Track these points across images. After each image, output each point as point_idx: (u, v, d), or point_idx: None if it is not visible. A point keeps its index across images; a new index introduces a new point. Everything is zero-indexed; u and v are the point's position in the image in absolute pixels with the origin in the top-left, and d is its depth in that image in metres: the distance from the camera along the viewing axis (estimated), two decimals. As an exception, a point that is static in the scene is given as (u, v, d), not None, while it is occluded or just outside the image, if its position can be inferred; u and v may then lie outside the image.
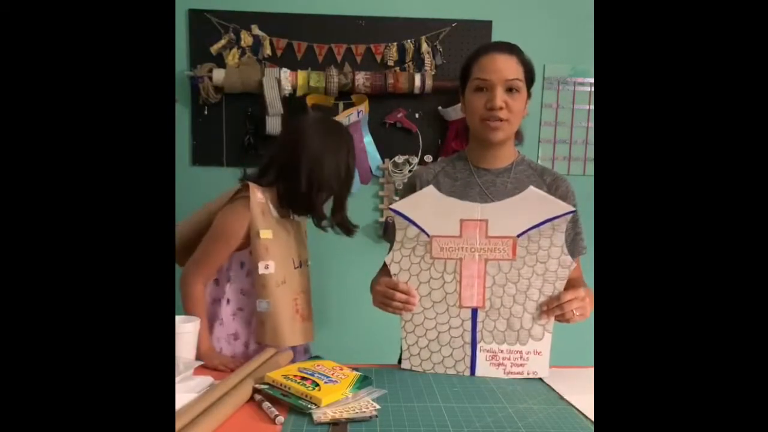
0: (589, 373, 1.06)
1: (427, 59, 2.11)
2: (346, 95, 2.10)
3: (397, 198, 2.18)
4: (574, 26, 2.15)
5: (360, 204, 2.21)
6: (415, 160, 2.17)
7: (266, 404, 0.87)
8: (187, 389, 0.91)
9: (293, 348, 1.24)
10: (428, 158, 2.17)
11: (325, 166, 1.22)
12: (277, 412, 0.83)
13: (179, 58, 2.11)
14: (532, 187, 1.04)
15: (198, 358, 1.08)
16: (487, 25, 2.14)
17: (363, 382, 0.94)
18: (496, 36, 2.14)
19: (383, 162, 2.17)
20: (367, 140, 2.15)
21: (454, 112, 2.09)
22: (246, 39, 2.08)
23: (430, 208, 1.05)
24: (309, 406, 0.84)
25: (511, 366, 1.06)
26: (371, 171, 2.17)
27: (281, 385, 0.90)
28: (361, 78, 2.04)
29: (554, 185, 1.18)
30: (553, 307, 1.03)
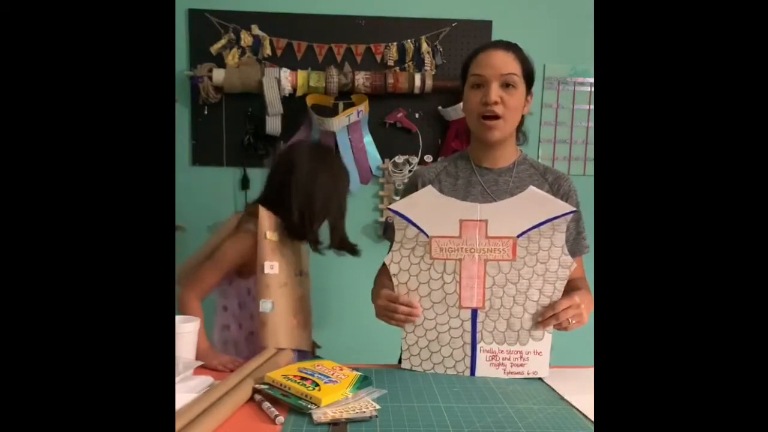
0: (589, 373, 1.06)
1: (427, 59, 2.11)
2: (346, 95, 2.10)
3: (397, 198, 2.18)
4: (574, 26, 2.15)
5: (360, 204, 2.21)
6: (415, 160, 2.17)
7: (266, 404, 0.86)
8: (187, 389, 0.91)
9: (297, 353, 1.26)
10: (428, 158, 2.17)
11: (317, 198, 1.26)
12: (277, 412, 0.83)
13: (179, 58, 2.11)
14: (532, 187, 1.04)
15: (197, 358, 1.09)
16: (487, 25, 2.14)
17: (363, 382, 0.94)
18: (496, 36, 2.14)
19: (383, 162, 2.17)
20: (367, 140, 2.15)
21: (454, 112, 2.09)
22: (246, 39, 2.08)
23: (429, 208, 1.05)
24: (309, 406, 0.84)
25: (511, 366, 1.06)
26: (371, 171, 2.17)
27: (281, 385, 0.90)
28: (361, 78, 2.04)
29: (556, 184, 1.18)
30: (548, 318, 1.02)
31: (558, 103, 2.21)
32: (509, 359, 1.06)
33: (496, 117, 1.11)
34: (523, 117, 1.19)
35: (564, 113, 2.22)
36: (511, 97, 1.11)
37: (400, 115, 2.15)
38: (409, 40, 2.12)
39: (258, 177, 2.19)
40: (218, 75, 2.04)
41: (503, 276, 1.04)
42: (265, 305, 1.22)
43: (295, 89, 2.06)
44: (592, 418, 0.86)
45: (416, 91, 2.07)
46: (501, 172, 1.19)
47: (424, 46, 2.11)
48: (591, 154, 2.20)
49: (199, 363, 1.04)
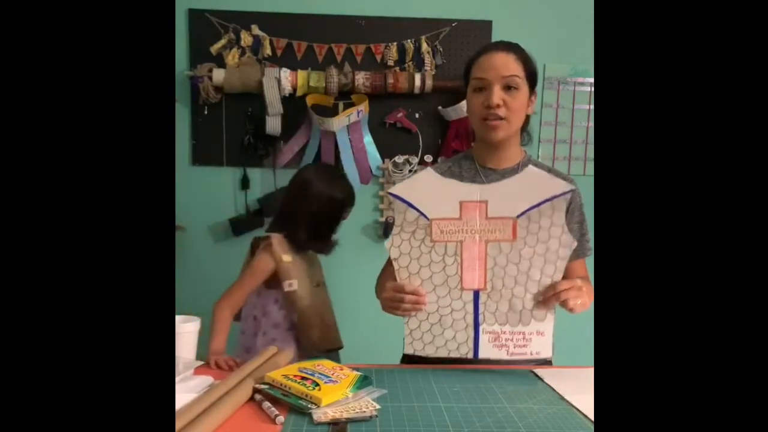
0: (589, 373, 1.06)
1: (427, 59, 2.11)
2: (346, 95, 2.11)
3: (397, 198, 2.17)
4: (574, 26, 2.15)
5: (360, 204, 2.21)
6: (415, 160, 2.17)
7: (266, 404, 0.87)
8: (187, 389, 0.91)
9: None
10: (428, 158, 2.17)
11: (326, 218, 1.45)
12: (277, 412, 0.83)
13: (179, 58, 2.11)
14: (531, 166, 1.04)
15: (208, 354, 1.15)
16: (487, 25, 2.14)
17: (363, 382, 0.94)
18: (496, 36, 2.14)
19: (383, 162, 2.17)
20: (367, 140, 2.15)
21: (454, 112, 2.09)
22: (246, 39, 2.08)
23: (429, 190, 1.05)
24: (309, 406, 0.84)
25: (514, 347, 1.05)
26: (371, 171, 2.17)
27: (281, 385, 0.90)
28: (361, 78, 2.04)
29: None
30: (550, 296, 1.02)
31: (558, 103, 2.21)
32: (512, 340, 1.05)
33: (500, 119, 1.11)
34: (528, 117, 1.19)
35: (564, 113, 2.22)
36: (514, 99, 1.10)
37: (400, 115, 2.15)
38: (409, 40, 2.12)
39: (258, 177, 2.20)
40: (218, 75, 2.05)
41: (504, 256, 1.04)
42: (293, 317, 1.41)
43: (295, 89, 2.06)
44: (592, 418, 0.86)
45: (416, 91, 2.08)
46: (505, 173, 1.18)
47: (424, 46, 2.11)
48: (591, 154, 2.20)
49: (200, 363, 1.05)
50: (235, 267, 2.33)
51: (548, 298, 1.03)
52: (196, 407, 0.81)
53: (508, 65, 1.10)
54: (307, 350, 1.40)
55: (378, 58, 2.12)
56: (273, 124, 2.07)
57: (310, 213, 1.41)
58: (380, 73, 2.07)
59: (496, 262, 1.04)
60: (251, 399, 0.90)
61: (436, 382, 1.02)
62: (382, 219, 2.20)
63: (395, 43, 2.12)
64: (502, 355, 1.06)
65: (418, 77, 2.06)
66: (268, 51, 2.09)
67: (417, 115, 2.16)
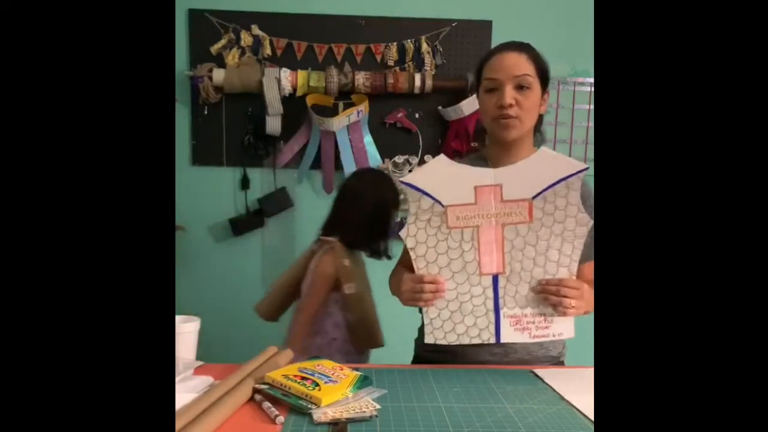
0: (589, 373, 1.06)
1: (427, 59, 2.11)
2: (346, 95, 2.11)
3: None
4: (574, 26, 2.15)
5: (360, 204, 2.21)
6: (415, 160, 2.18)
7: (266, 404, 0.86)
8: (187, 389, 0.91)
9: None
10: (428, 158, 2.17)
11: (377, 220, 1.54)
12: (277, 412, 0.83)
13: (179, 58, 2.12)
14: (543, 148, 1.04)
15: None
16: (487, 25, 2.14)
17: (363, 382, 0.94)
18: (496, 36, 2.14)
19: (383, 162, 2.17)
20: (367, 140, 2.15)
21: (453, 112, 2.09)
22: (246, 39, 2.08)
23: (442, 177, 1.04)
24: (309, 406, 0.84)
25: (536, 329, 1.05)
26: (371, 171, 2.17)
27: (281, 385, 0.90)
28: (361, 78, 2.04)
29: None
30: (550, 290, 1.02)
31: (558, 103, 2.21)
32: (533, 323, 1.05)
33: (512, 118, 1.11)
34: (540, 116, 1.18)
35: (564, 113, 2.22)
36: (526, 98, 1.10)
37: (400, 115, 2.15)
38: (409, 40, 2.12)
39: (258, 177, 2.20)
40: (218, 75, 2.05)
41: (521, 239, 1.03)
42: (350, 317, 1.51)
43: (295, 89, 2.06)
44: (592, 418, 0.86)
45: (416, 91, 2.08)
46: None
47: (424, 46, 2.11)
48: (591, 154, 2.20)
49: (200, 363, 1.05)
50: (235, 267, 2.33)
51: (548, 290, 1.02)
52: (196, 407, 0.81)
53: (519, 65, 1.10)
54: (360, 349, 1.54)
55: (378, 58, 2.12)
56: (273, 124, 2.07)
57: (362, 215, 1.52)
58: (380, 73, 2.07)
59: (514, 245, 1.04)
60: (251, 399, 0.90)
61: (436, 382, 1.02)
62: (382, 219, 2.20)
63: (395, 43, 2.12)
64: (524, 338, 1.05)
65: (418, 77, 2.06)
66: (268, 51, 2.09)
67: (417, 115, 2.17)
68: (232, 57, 2.08)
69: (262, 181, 2.20)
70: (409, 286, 1.07)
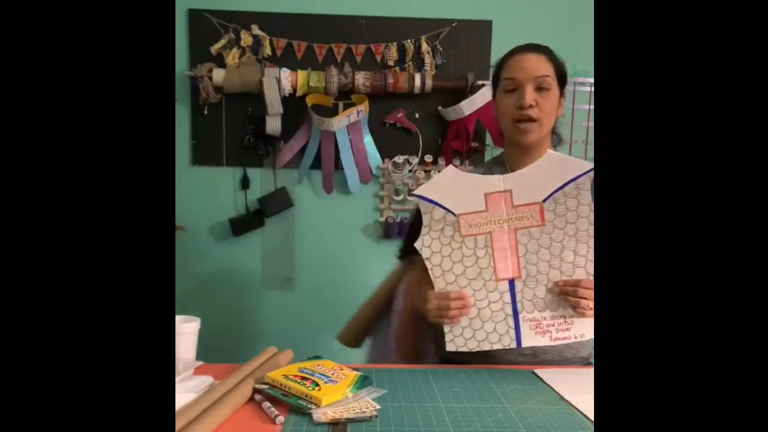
0: (589, 373, 1.06)
1: (427, 59, 2.11)
2: (346, 95, 2.11)
3: (396, 198, 2.18)
4: (574, 26, 2.15)
5: (360, 204, 2.22)
6: (415, 160, 2.18)
7: (266, 404, 0.87)
8: (187, 389, 0.91)
9: None
10: (428, 158, 2.17)
11: None
12: (277, 412, 0.83)
13: (179, 58, 2.12)
14: (550, 151, 1.04)
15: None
16: (487, 25, 2.14)
17: (363, 382, 0.94)
18: (496, 36, 2.14)
19: (383, 162, 2.17)
20: (367, 140, 2.15)
21: (454, 112, 2.09)
22: (246, 39, 2.08)
23: (453, 187, 1.05)
24: (309, 406, 0.84)
25: (557, 332, 1.05)
26: (371, 171, 2.17)
27: (281, 385, 0.90)
28: (361, 78, 2.05)
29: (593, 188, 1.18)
30: (569, 290, 1.01)
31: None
32: (554, 325, 1.05)
33: (532, 120, 1.11)
34: (556, 119, 1.18)
35: (564, 113, 2.22)
36: (545, 99, 1.11)
37: (400, 115, 2.15)
38: (409, 40, 2.12)
39: (258, 177, 2.20)
40: (218, 75, 2.05)
41: (535, 242, 1.04)
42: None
43: (295, 89, 2.06)
44: (592, 418, 0.86)
45: (416, 91, 2.08)
46: None
47: (424, 46, 2.11)
48: (591, 154, 2.20)
49: (200, 363, 1.05)
50: (235, 267, 2.33)
51: (565, 291, 1.02)
52: (196, 407, 0.81)
53: (539, 66, 1.11)
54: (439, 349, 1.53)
55: (378, 58, 2.12)
56: (273, 124, 2.07)
57: None
58: (380, 73, 2.07)
59: (528, 249, 1.04)
60: (251, 399, 0.90)
61: (436, 382, 1.02)
62: (382, 219, 2.20)
63: (395, 43, 2.12)
64: (545, 341, 1.05)
65: (418, 77, 2.06)
66: (268, 51, 2.09)
67: (417, 115, 2.17)
68: (232, 57, 2.08)
69: (262, 181, 2.20)
70: (435, 303, 1.07)
